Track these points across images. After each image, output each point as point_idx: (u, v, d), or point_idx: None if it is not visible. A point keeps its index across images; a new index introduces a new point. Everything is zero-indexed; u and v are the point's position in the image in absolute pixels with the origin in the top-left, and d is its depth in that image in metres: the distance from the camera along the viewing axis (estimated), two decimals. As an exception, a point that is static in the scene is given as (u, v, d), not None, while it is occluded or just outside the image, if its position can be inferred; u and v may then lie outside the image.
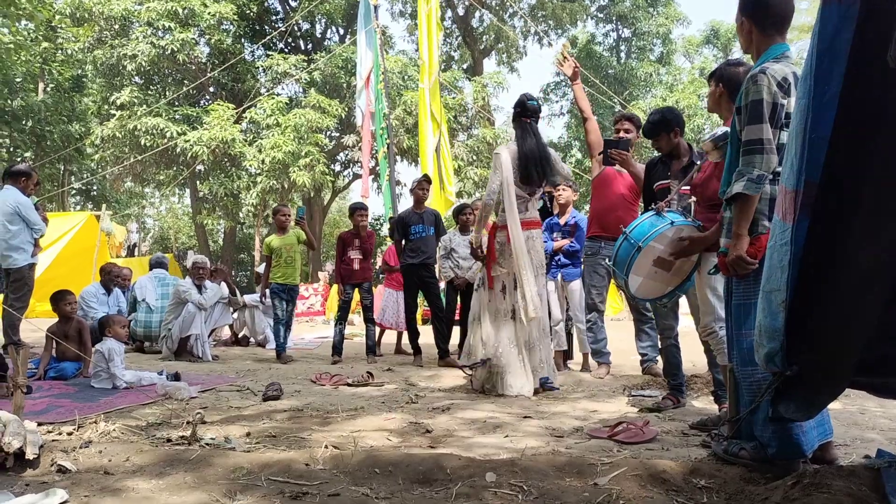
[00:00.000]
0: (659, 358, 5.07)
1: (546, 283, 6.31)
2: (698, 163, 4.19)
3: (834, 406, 4.16)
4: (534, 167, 5.03)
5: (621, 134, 5.44)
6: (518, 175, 5.03)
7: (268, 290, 7.54)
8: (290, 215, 7.57)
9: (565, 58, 5.89)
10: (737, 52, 27.28)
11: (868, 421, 3.95)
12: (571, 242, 6.34)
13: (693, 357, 5.58)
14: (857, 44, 1.93)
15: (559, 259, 6.38)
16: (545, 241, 6.13)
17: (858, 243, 2.04)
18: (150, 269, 8.53)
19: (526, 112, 5.20)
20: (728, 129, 3.09)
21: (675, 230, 3.53)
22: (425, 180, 7.25)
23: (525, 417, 3.93)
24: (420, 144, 12.16)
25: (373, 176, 21.02)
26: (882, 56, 1.77)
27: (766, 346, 2.22)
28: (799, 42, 20.94)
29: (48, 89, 23.37)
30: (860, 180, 2.01)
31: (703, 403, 4.52)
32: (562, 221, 6.47)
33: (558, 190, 6.51)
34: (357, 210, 7.47)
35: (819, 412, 2.55)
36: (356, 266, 7.27)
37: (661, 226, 3.53)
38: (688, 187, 3.95)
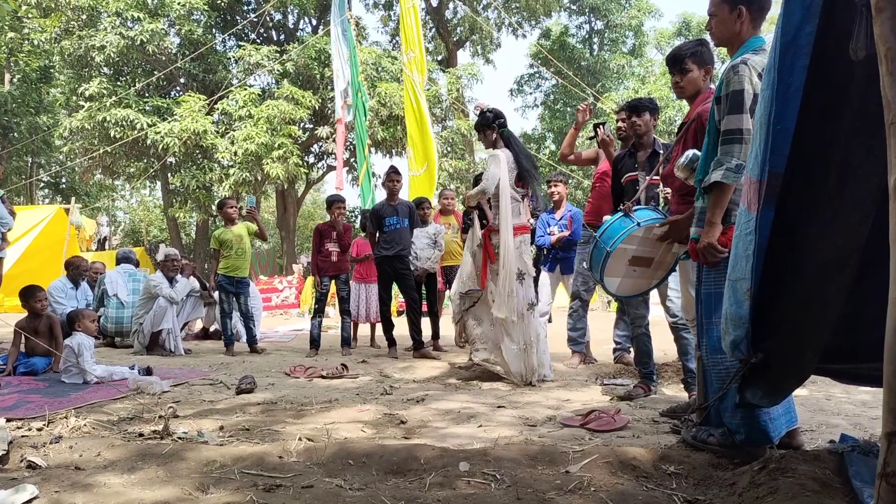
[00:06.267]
0: (631, 347, 5.13)
1: (536, 280, 6.34)
2: (661, 152, 4.22)
3: (800, 392, 4.26)
4: (526, 162, 5.09)
5: (619, 124, 5.37)
6: (514, 176, 5.07)
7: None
8: (236, 207, 7.54)
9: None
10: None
11: (833, 407, 4.04)
12: (571, 234, 6.32)
13: (664, 346, 5.64)
14: (820, 37, 1.97)
15: (557, 252, 6.38)
16: (541, 236, 6.19)
17: (822, 233, 2.08)
18: (117, 265, 8.42)
19: (488, 123, 5.23)
20: (694, 150, 3.11)
21: (644, 230, 3.50)
22: (394, 172, 7.18)
23: (499, 407, 3.96)
24: (411, 136, 12.00)
25: (347, 168, 20.93)
26: (844, 49, 1.81)
27: (731, 334, 2.26)
28: (768, 34, 21.17)
29: (14, 80, 22.90)
30: (824, 170, 2.05)
31: (674, 391, 4.60)
32: (557, 216, 6.48)
33: (552, 186, 6.54)
34: (335, 203, 7.43)
35: (785, 398, 2.60)
36: (334, 258, 7.24)
37: (628, 227, 3.50)
38: (657, 177, 3.97)
